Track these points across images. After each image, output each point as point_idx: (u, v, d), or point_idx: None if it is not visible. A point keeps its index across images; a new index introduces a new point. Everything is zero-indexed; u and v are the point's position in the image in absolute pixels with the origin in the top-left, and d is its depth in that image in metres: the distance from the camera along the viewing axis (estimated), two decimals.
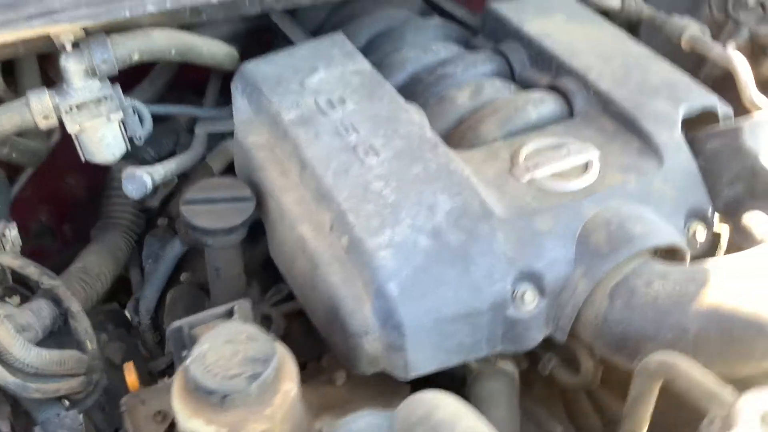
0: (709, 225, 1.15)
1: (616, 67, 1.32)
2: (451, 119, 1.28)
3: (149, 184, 1.21)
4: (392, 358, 1.02)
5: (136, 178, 1.19)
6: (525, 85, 1.39)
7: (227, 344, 0.87)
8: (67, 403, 1.21)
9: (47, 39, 1.12)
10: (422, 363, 1.03)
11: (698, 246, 1.14)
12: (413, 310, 1.00)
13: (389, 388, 1.08)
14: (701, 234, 1.14)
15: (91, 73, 1.17)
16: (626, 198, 1.11)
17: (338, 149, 1.15)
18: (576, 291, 1.04)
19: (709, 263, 1.03)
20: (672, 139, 1.18)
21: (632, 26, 1.89)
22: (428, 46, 1.45)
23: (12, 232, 1.32)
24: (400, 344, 1.00)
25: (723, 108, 1.28)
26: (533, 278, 1.04)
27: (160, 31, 1.21)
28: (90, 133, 1.22)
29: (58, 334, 1.37)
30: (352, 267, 1.03)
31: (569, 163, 1.15)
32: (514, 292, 1.03)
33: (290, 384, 0.88)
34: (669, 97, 1.25)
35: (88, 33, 1.18)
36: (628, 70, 1.31)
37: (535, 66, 1.40)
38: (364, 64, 1.32)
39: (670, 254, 1.11)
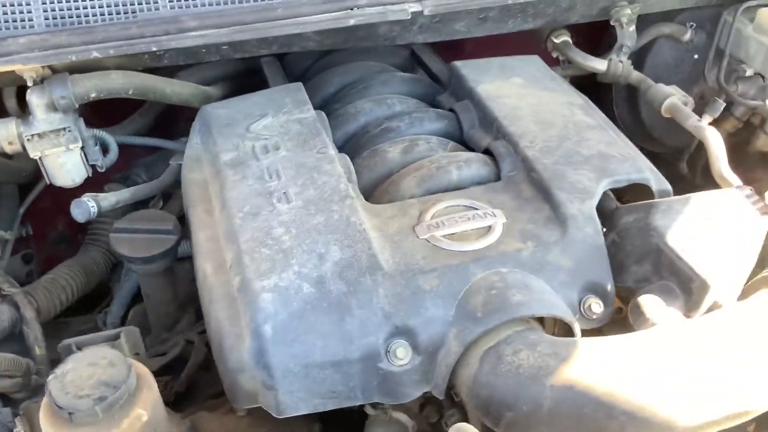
0: (606, 300, 1.15)
1: (551, 135, 1.34)
2: (380, 172, 1.34)
3: (93, 210, 1.32)
4: (266, 396, 1.07)
5: (81, 203, 1.31)
6: (469, 145, 1.43)
7: (89, 366, 0.96)
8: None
9: (15, 74, 1.26)
10: (294, 404, 1.07)
11: (594, 318, 1.14)
12: (284, 353, 1.05)
13: (294, 422, 1.13)
14: (596, 308, 1.14)
15: (52, 107, 1.31)
16: (519, 265, 1.13)
17: (256, 193, 1.23)
18: (449, 351, 1.07)
19: (581, 341, 1.03)
20: (581, 212, 1.19)
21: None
22: (385, 99, 1.51)
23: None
24: (271, 384, 1.05)
25: (660, 183, 1.28)
26: (408, 334, 1.07)
27: (117, 72, 1.33)
28: (51, 159, 1.35)
29: (19, 338, 1.50)
30: (239, 306, 1.10)
31: (471, 225, 1.18)
32: (387, 346, 1.07)
33: (142, 411, 0.96)
34: (594, 169, 1.26)
35: (55, 71, 1.32)
36: (563, 140, 1.33)
37: (481, 127, 1.43)
38: (309, 113, 1.40)
39: (561, 324, 1.12)
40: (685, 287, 1.12)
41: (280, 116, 1.39)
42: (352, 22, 1.32)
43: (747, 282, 1.17)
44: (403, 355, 1.07)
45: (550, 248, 1.15)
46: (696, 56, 1.91)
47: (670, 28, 1.88)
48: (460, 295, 1.10)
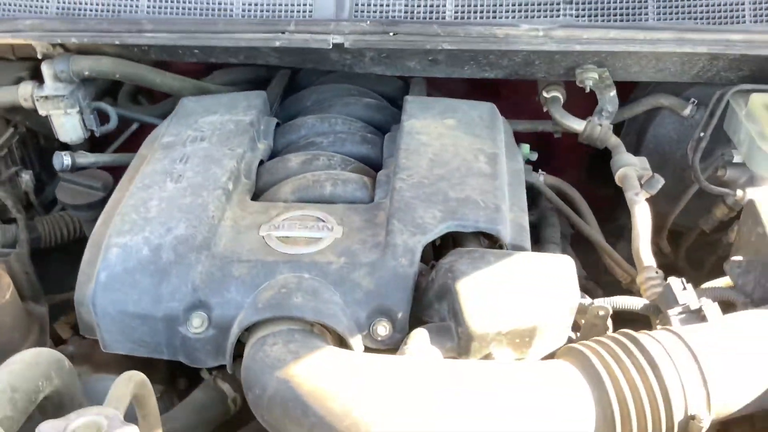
0: (395, 325, 1.23)
1: (434, 174, 1.43)
2: (278, 176, 1.52)
3: (67, 163, 1.66)
4: (96, 330, 1.31)
5: (58, 155, 1.65)
6: (378, 170, 1.55)
7: None
8: None
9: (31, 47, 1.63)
10: (113, 343, 1.29)
11: (379, 340, 1.23)
12: (107, 298, 1.27)
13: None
14: (382, 330, 1.22)
15: (57, 78, 1.66)
16: (324, 275, 1.25)
17: (161, 171, 1.47)
18: (233, 332, 1.23)
19: (327, 348, 1.14)
20: (404, 243, 1.28)
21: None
22: (330, 118, 1.68)
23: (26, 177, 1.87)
24: (96, 321, 1.29)
25: (515, 239, 1.33)
26: (206, 308, 1.25)
27: (107, 58, 1.65)
28: (55, 119, 1.71)
29: None
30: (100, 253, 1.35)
31: (305, 234, 1.32)
32: (188, 314, 1.25)
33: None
34: (446, 210, 1.34)
35: (67, 50, 1.67)
36: (441, 180, 1.41)
37: (392, 156, 1.55)
38: (247, 117, 1.61)
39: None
40: (457, 331, 1.17)
41: (225, 116, 1.62)
42: (277, 43, 1.51)
43: None
44: (198, 324, 1.24)
45: (359, 268, 1.26)
46: (702, 134, 1.82)
47: (669, 100, 1.83)
48: (260, 287, 1.25)
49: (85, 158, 1.70)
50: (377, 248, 1.29)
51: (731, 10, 1.57)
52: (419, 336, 1.18)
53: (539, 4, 1.57)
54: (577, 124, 1.79)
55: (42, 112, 1.70)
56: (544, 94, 1.84)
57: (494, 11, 1.60)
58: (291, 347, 1.14)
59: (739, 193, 1.67)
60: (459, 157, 1.49)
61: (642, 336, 1.15)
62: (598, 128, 1.77)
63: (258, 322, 1.20)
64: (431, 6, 1.61)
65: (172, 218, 1.34)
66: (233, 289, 1.25)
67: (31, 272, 1.49)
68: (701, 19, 1.53)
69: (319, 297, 1.22)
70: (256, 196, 1.49)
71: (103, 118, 1.80)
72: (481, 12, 1.60)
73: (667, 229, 1.90)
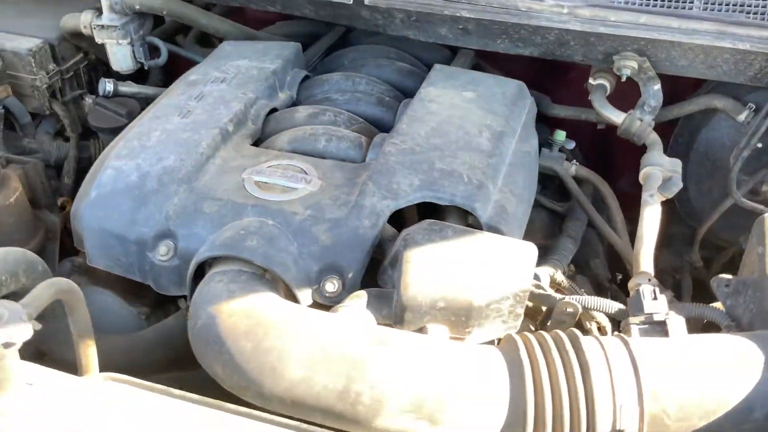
0: (345, 284, 1.22)
1: (429, 143, 1.40)
2: (284, 125, 1.54)
3: (108, 88, 1.77)
4: (84, 243, 1.40)
5: (102, 81, 1.76)
6: None
7: None
8: None
9: None
10: (96, 258, 1.38)
11: (327, 296, 1.23)
12: (93, 215, 1.35)
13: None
14: (330, 287, 1.22)
15: (112, 9, 1.76)
16: (286, 225, 1.27)
17: (175, 105, 1.53)
18: (191, 264, 1.27)
19: (260, 296, 1.15)
20: (371, 205, 1.27)
21: None
22: (355, 77, 1.68)
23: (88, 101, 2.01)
24: (83, 234, 1.38)
25: (490, 220, 1.29)
26: (173, 238, 1.30)
27: None
28: (108, 48, 1.82)
29: None
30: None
31: (283, 182, 1.34)
32: (156, 241, 1.31)
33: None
34: (425, 180, 1.32)
35: None
36: (434, 150, 1.39)
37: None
38: (273, 65, 1.64)
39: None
40: (395, 299, 1.15)
41: (253, 62, 1.66)
42: None
43: None
44: (164, 252, 1.30)
45: (321, 223, 1.26)
46: (760, 145, 1.66)
47: (724, 102, 1.66)
48: (225, 226, 1.28)
49: (128, 87, 1.80)
50: (345, 207, 1.29)
51: None
52: (357, 299, 1.17)
53: None
54: (615, 116, 1.68)
55: (98, 40, 1.81)
56: (591, 80, 1.74)
57: None
58: (231, 286, 1.17)
59: None
60: (462, 129, 1.45)
61: (586, 337, 1.09)
62: (637, 123, 1.66)
63: (213, 258, 1.24)
64: None
65: (166, 149, 1.40)
66: (200, 224, 1.30)
67: (46, 183, 1.61)
68: (755, 13, 1.38)
69: (274, 244, 1.24)
70: (260, 142, 1.53)
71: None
72: None
73: (698, 241, 1.76)
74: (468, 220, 1.36)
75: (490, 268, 1.16)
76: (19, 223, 1.44)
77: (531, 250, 1.19)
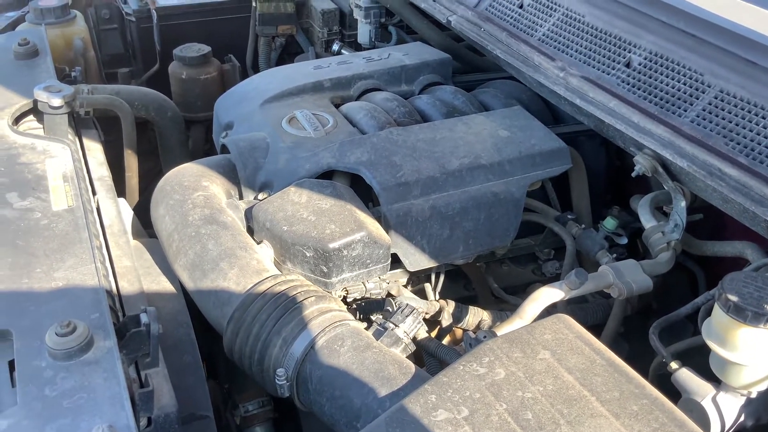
0: None
1: (419, 142, 1.64)
2: (368, 98, 1.92)
3: (335, 48, 2.37)
4: None
5: (336, 42, 2.37)
6: None
7: None
8: None
9: None
10: None
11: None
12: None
13: None
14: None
15: None
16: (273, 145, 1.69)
17: (322, 61, 2.05)
18: None
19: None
20: (317, 156, 1.61)
21: None
22: (460, 94, 1.92)
23: None
24: None
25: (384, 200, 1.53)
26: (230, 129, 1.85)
27: None
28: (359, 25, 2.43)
29: None
30: None
31: (305, 123, 1.74)
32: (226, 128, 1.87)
33: None
34: (371, 159, 1.58)
35: None
36: (408, 150, 1.62)
37: None
38: (411, 62, 2.04)
39: None
40: None
41: (400, 55, 2.06)
42: None
43: None
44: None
45: (285, 153, 1.65)
46: None
47: (755, 255, 1.39)
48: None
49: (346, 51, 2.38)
50: (313, 150, 1.64)
51: None
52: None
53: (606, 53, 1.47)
54: (645, 220, 1.56)
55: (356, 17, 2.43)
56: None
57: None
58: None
59: None
60: (454, 145, 1.63)
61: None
62: (659, 235, 1.53)
63: None
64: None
65: (286, 79, 1.93)
66: (245, 127, 1.81)
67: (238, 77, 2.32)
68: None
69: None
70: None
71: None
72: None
73: None
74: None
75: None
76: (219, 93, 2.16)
77: (369, 225, 1.40)
